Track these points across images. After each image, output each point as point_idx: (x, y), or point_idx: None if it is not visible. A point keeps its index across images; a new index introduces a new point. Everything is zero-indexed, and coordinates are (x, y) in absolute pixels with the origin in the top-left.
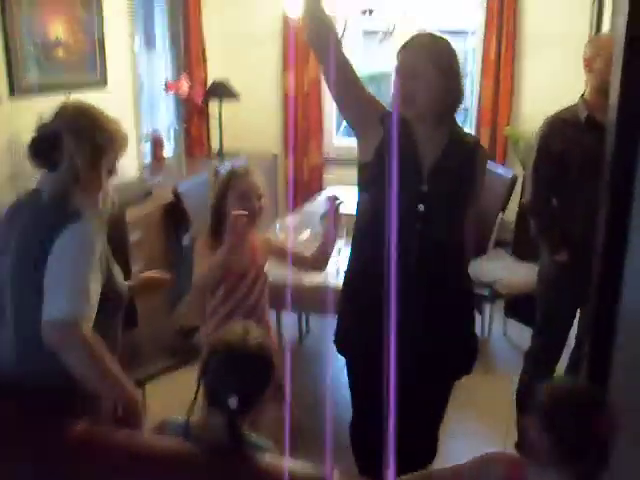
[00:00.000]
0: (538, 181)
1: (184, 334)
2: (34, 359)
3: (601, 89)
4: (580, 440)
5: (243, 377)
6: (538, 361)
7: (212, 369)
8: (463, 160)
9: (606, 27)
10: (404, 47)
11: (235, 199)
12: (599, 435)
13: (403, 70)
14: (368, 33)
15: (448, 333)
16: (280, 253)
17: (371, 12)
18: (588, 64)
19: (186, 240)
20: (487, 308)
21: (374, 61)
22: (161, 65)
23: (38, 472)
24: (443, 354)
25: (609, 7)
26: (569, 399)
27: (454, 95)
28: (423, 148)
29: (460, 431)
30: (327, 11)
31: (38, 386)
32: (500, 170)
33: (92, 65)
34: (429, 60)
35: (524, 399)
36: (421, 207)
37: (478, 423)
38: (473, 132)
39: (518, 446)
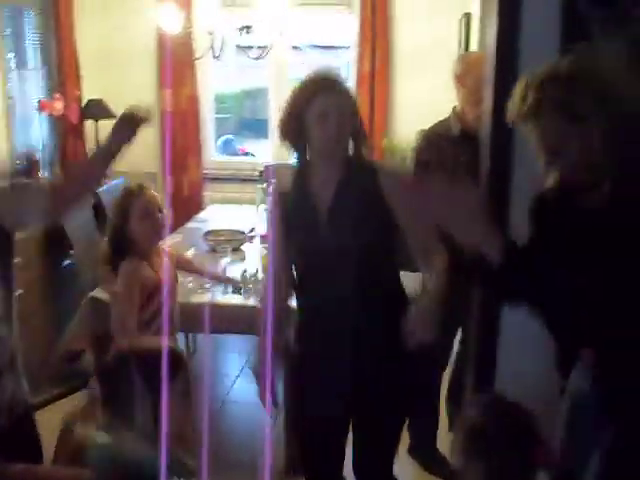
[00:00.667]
0: None
1: (69, 359)
2: None
3: (473, 103)
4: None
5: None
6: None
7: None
8: (361, 191)
9: (474, 44)
10: (327, 91)
11: (138, 217)
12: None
13: (336, 113)
14: (243, 48)
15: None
16: (185, 263)
17: (248, 29)
18: (459, 80)
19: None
20: None
21: (249, 77)
22: (34, 84)
23: None
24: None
25: (476, 24)
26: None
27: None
28: (320, 191)
29: None
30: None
31: None
32: None
33: None
34: (350, 103)
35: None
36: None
37: None
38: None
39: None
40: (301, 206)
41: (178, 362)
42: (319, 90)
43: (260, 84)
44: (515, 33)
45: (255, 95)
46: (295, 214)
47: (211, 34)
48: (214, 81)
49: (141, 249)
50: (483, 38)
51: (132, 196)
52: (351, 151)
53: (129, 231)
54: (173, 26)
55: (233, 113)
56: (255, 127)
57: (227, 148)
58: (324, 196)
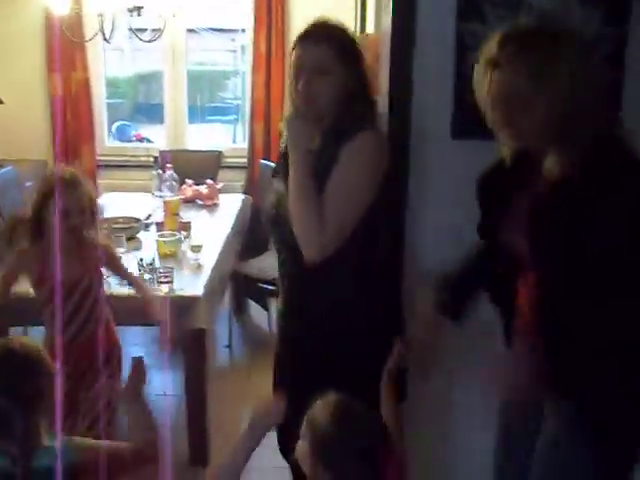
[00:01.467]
0: None
1: None
2: None
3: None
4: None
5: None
6: None
7: None
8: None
9: (370, 25)
10: (306, 39)
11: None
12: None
13: (308, 65)
14: (135, 31)
15: None
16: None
17: (140, 10)
18: None
19: None
20: (273, 303)
21: (143, 60)
22: None
23: None
24: None
25: (372, 7)
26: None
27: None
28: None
29: None
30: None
31: None
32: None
33: None
34: (336, 54)
35: None
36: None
37: None
38: (247, 127)
39: None
40: None
41: None
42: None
43: (154, 68)
44: (411, 15)
45: (149, 79)
46: None
47: (100, 16)
48: (106, 65)
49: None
50: (379, 19)
51: (54, 191)
52: None
53: (44, 220)
54: (61, 7)
55: (127, 98)
56: (150, 112)
57: (122, 134)
58: None
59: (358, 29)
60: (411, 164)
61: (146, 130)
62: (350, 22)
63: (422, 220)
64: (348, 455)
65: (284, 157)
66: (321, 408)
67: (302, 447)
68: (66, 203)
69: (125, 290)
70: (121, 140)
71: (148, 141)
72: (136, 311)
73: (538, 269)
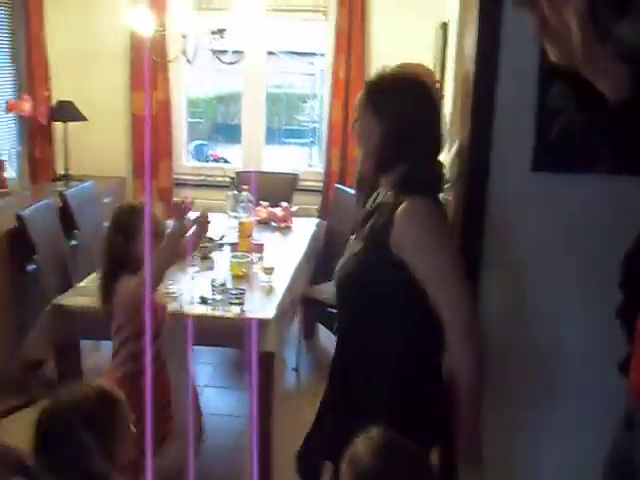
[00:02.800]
0: None
1: (30, 368)
2: None
3: None
4: None
5: None
6: None
7: None
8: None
9: (451, 53)
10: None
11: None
12: None
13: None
14: (217, 53)
15: None
16: None
17: (222, 33)
18: None
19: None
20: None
21: (223, 81)
22: (1, 84)
23: None
24: None
25: (453, 34)
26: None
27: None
28: None
29: None
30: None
31: None
32: (352, 191)
33: None
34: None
35: None
36: None
37: None
38: (324, 152)
39: None
40: None
41: None
42: None
43: (233, 89)
44: (495, 44)
45: (228, 100)
46: None
47: (184, 37)
48: (187, 85)
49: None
50: (460, 48)
51: (137, 215)
52: None
53: (133, 249)
54: (146, 28)
55: (206, 118)
56: (228, 132)
57: (199, 153)
58: None
59: (439, 56)
60: (489, 200)
61: (223, 150)
62: (429, 48)
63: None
64: None
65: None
66: (363, 444)
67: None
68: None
69: (197, 310)
70: (198, 159)
71: (225, 161)
72: (207, 331)
73: None
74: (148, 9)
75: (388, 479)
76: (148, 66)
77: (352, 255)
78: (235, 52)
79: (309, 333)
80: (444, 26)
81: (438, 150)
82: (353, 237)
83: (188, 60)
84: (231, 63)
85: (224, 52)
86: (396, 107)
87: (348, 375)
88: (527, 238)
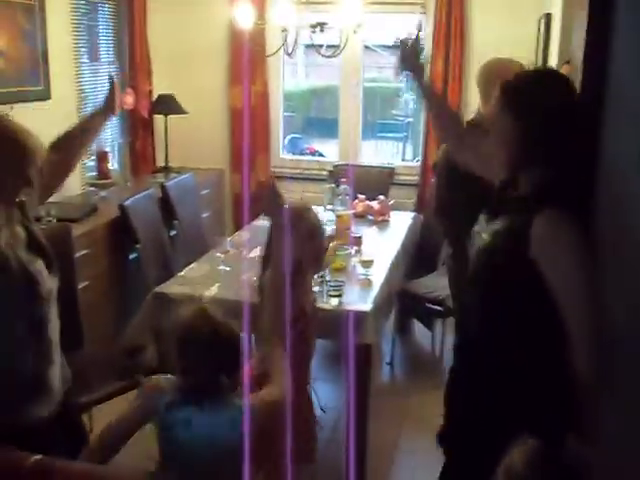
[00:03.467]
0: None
1: (131, 354)
2: None
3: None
4: None
5: None
6: None
7: None
8: None
9: (554, 45)
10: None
11: (303, 238)
12: None
13: None
14: (315, 46)
15: None
16: None
17: (322, 27)
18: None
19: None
20: (438, 324)
21: (316, 75)
22: (105, 77)
23: None
24: None
25: (557, 25)
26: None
27: None
28: None
29: (415, 447)
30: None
31: None
32: None
33: (35, 77)
34: None
35: None
36: None
37: (432, 439)
38: (421, 146)
39: None
40: None
41: None
42: None
43: (328, 83)
44: (606, 36)
45: (322, 94)
46: None
47: (284, 31)
48: (284, 79)
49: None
50: (565, 39)
51: (295, 217)
52: None
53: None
54: (246, 22)
55: (300, 111)
56: (321, 126)
57: (293, 146)
58: None
59: (541, 48)
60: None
61: (317, 144)
62: (531, 40)
63: None
64: None
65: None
66: (519, 455)
67: None
68: (310, 226)
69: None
70: (292, 152)
71: (320, 155)
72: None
73: None
74: (249, 3)
75: None
76: (247, 59)
77: (482, 250)
78: (329, 46)
79: (404, 328)
80: (547, 17)
81: (586, 154)
82: (477, 229)
83: (288, 53)
84: (331, 56)
85: (321, 46)
86: (538, 105)
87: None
88: None
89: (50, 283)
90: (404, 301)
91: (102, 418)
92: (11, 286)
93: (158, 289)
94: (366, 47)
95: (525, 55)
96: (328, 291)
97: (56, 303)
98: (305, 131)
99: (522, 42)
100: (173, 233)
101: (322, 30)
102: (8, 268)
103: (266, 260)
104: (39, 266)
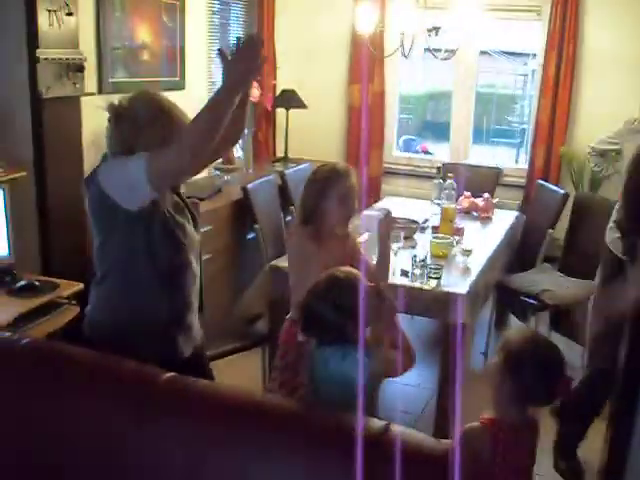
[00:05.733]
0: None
1: (248, 321)
2: None
3: None
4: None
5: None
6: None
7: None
8: None
9: None
10: None
11: (337, 198)
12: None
13: None
14: (430, 50)
15: None
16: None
17: (437, 31)
18: None
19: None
20: (533, 319)
21: (434, 79)
22: None
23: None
24: None
25: None
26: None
27: None
28: None
29: None
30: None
31: None
32: (553, 187)
33: (173, 68)
34: None
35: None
36: None
37: None
38: (529, 149)
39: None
40: None
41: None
42: None
43: (444, 87)
44: None
45: (439, 98)
46: None
47: (402, 34)
48: (401, 80)
49: (327, 229)
50: None
51: (336, 177)
52: None
53: (322, 209)
54: (367, 25)
55: (415, 114)
56: (436, 129)
57: (407, 147)
58: None
59: None
60: None
61: (430, 146)
62: None
63: None
64: (531, 371)
65: None
66: (516, 334)
67: (494, 363)
68: (346, 187)
69: (397, 280)
70: (406, 151)
71: (430, 154)
72: (405, 301)
73: None
74: (370, 7)
75: (531, 358)
76: (365, 60)
77: None
78: (447, 51)
79: (500, 322)
80: None
81: None
82: None
83: (405, 55)
84: (445, 59)
85: (438, 50)
86: None
87: None
88: None
89: (194, 235)
90: (501, 294)
91: (223, 373)
92: (166, 231)
93: (274, 263)
94: (482, 52)
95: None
96: (428, 273)
97: (198, 256)
98: (419, 134)
99: (633, 46)
100: (289, 219)
101: (437, 34)
102: (165, 219)
103: None
104: (186, 220)
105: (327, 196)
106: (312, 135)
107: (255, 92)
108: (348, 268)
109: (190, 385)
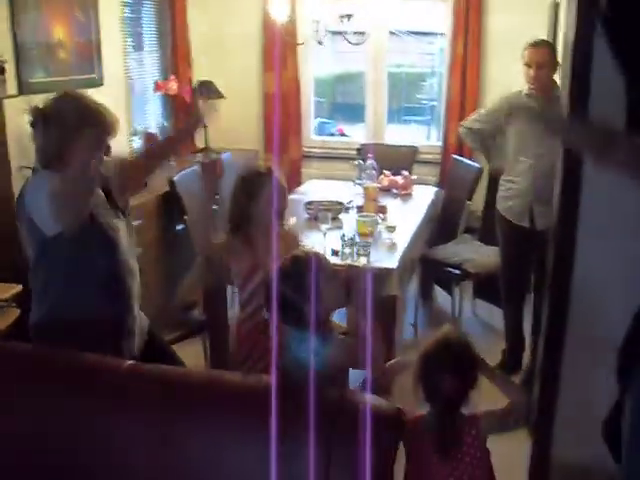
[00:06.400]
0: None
1: (184, 309)
2: None
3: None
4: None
5: None
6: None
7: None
8: None
9: (561, 32)
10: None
11: (266, 201)
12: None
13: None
14: (342, 34)
15: None
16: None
17: (349, 17)
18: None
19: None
20: (457, 289)
21: (342, 61)
22: (150, 65)
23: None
24: None
25: (564, 10)
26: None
27: None
28: None
29: None
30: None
31: None
32: (468, 162)
33: (90, 65)
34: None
35: None
36: None
37: None
38: (442, 126)
39: None
40: None
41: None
42: None
43: (353, 69)
44: (591, 22)
45: (348, 80)
46: None
47: (316, 22)
48: (314, 66)
49: (261, 230)
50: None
51: (262, 181)
52: None
53: (253, 213)
54: (279, 13)
55: (327, 97)
56: (348, 111)
57: (321, 131)
58: None
59: (550, 34)
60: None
61: (346, 129)
62: (543, 25)
63: None
64: (438, 370)
65: None
66: (431, 337)
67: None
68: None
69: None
70: (322, 134)
71: (346, 136)
72: None
73: None
74: None
75: (438, 359)
76: (278, 47)
77: None
78: (356, 33)
79: (426, 293)
80: (555, 5)
81: None
82: None
83: (320, 42)
84: (358, 44)
85: (349, 34)
86: None
87: None
88: None
89: (128, 236)
90: (426, 266)
91: None
92: (104, 240)
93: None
94: (391, 33)
95: (538, 32)
96: (357, 251)
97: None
98: (332, 116)
99: (536, 26)
100: (215, 207)
101: (349, 20)
102: (102, 229)
103: None
104: (118, 219)
105: (256, 201)
106: (231, 124)
107: (173, 85)
108: (312, 249)
109: (152, 370)
